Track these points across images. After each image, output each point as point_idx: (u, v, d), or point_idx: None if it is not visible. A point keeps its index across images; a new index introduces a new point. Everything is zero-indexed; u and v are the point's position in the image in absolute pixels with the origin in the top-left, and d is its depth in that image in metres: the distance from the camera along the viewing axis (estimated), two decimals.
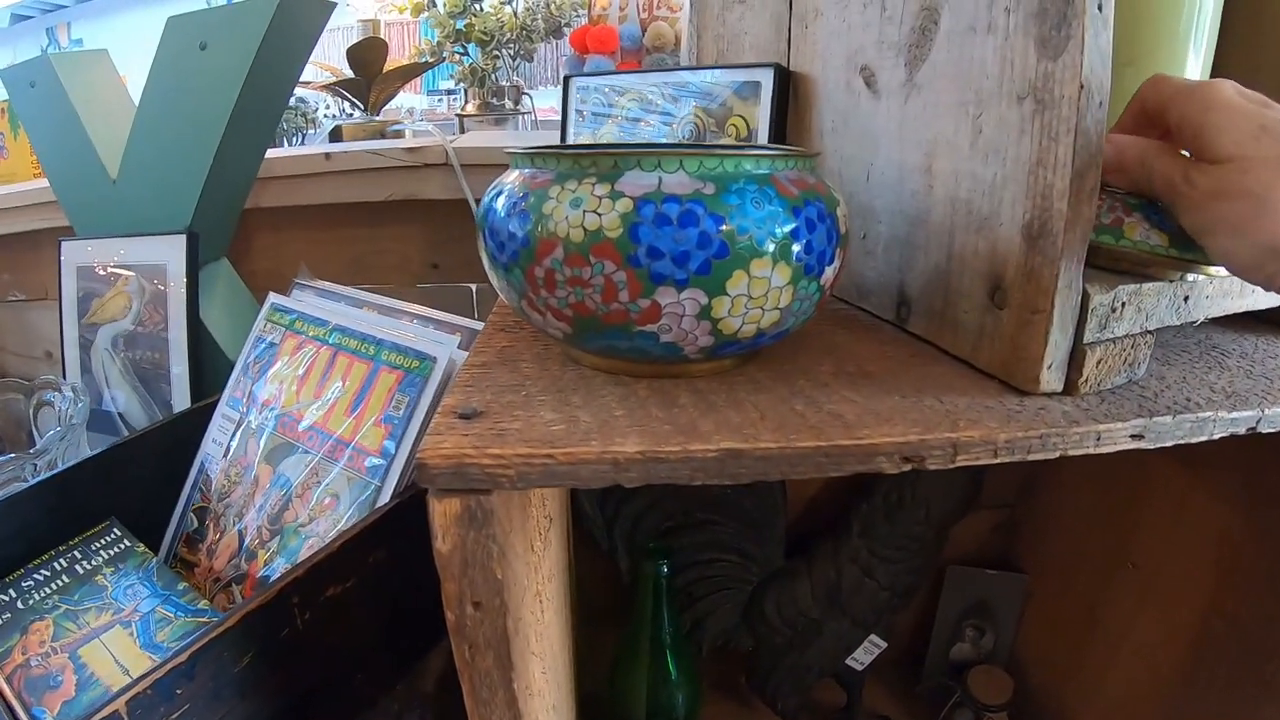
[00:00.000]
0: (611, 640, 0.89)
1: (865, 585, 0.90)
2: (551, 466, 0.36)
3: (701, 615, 0.95)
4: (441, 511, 0.37)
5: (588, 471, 0.36)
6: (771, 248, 0.39)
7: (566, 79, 0.75)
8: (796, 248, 0.40)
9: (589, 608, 0.98)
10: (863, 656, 0.96)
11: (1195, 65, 0.58)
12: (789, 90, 0.71)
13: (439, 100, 3.61)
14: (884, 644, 0.95)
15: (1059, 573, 0.96)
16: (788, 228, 0.39)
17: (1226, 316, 0.50)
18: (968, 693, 0.95)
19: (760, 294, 0.39)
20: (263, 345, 0.88)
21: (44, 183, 1.43)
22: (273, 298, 0.90)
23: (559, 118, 0.79)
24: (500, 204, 0.41)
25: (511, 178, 0.42)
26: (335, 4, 1.03)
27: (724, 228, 0.37)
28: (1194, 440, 0.42)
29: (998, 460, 0.41)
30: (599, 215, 0.37)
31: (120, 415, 1.19)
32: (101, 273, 1.20)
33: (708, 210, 0.37)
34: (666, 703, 0.85)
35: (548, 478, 0.36)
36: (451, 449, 0.36)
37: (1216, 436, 0.42)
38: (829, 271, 0.43)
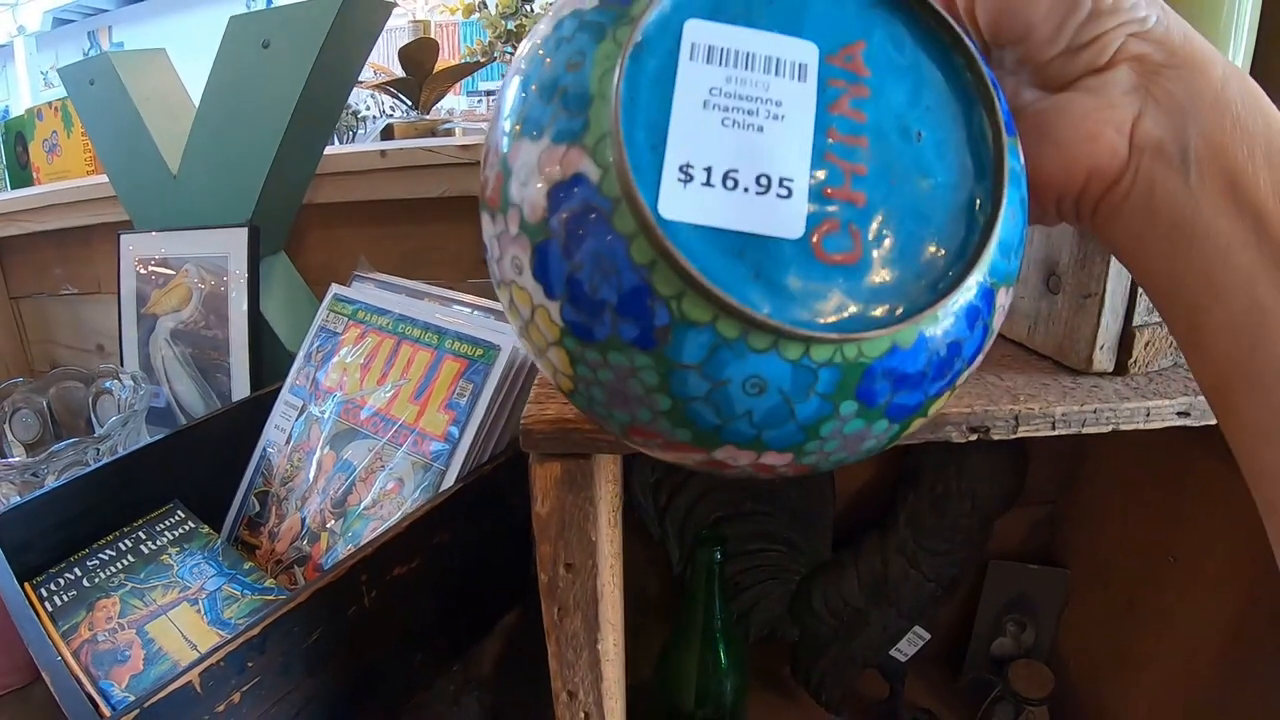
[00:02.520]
0: (659, 629, 0.90)
1: (911, 576, 0.91)
2: None
3: (748, 605, 0.97)
4: (543, 475, 0.39)
5: None
6: None
7: None
8: None
9: (637, 596, 1.00)
10: (906, 648, 0.97)
11: (1236, 61, 0.59)
12: None
13: (479, 101, 3.66)
14: (928, 635, 0.96)
15: (1100, 567, 0.96)
16: None
17: None
18: (1009, 686, 0.95)
19: None
20: (325, 335, 0.91)
21: (96, 179, 1.46)
22: (335, 289, 0.93)
23: None
24: None
25: None
26: (395, 4, 1.05)
27: None
28: None
29: (1055, 432, 0.43)
30: None
31: (179, 405, 1.22)
32: (156, 274, 1.23)
33: None
34: (715, 691, 0.86)
35: None
36: (554, 415, 0.38)
37: None
38: None
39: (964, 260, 0.29)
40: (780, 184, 0.27)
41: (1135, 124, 0.32)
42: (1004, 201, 0.29)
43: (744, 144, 0.27)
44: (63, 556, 0.81)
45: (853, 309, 0.27)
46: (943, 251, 0.29)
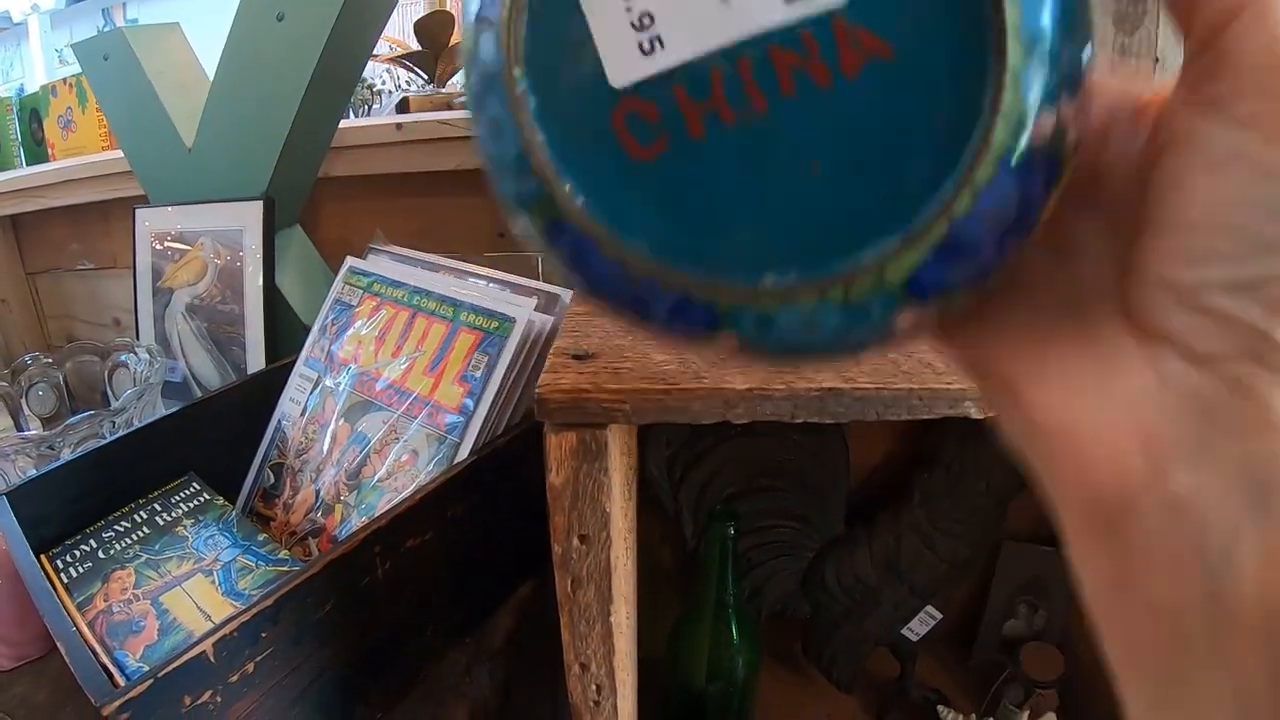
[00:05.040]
0: (672, 604, 0.90)
1: (924, 555, 0.91)
2: (666, 401, 0.37)
3: (760, 581, 0.96)
4: (557, 445, 0.38)
5: (700, 406, 0.37)
6: None
7: None
8: None
9: (651, 571, 1.00)
10: (918, 627, 0.97)
11: None
12: None
13: None
14: (940, 615, 0.96)
15: None
16: None
17: None
18: (1019, 668, 0.95)
19: None
20: (340, 307, 0.91)
21: (111, 154, 1.46)
22: (350, 261, 0.93)
23: None
24: None
25: None
26: None
27: None
28: None
29: None
30: None
31: (195, 378, 1.22)
32: (172, 248, 1.23)
33: None
34: (727, 666, 0.86)
35: (662, 412, 0.37)
36: (570, 385, 0.37)
37: None
38: None
39: None
40: None
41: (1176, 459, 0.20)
42: None
43: None
44: (79, 529, 0.82)
45: None
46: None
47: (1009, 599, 1.04)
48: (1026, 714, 0.92)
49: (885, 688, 1.01)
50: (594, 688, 0.47)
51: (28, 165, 1.78)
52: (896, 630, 0.96)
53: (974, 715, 0.94)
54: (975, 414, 0.41)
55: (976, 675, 1.03)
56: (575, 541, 0.41)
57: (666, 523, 0.96)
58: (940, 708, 0.95)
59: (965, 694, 1.01)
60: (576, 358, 0.41)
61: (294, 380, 0.93)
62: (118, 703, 0.51)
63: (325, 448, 0.85)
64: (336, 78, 1.07)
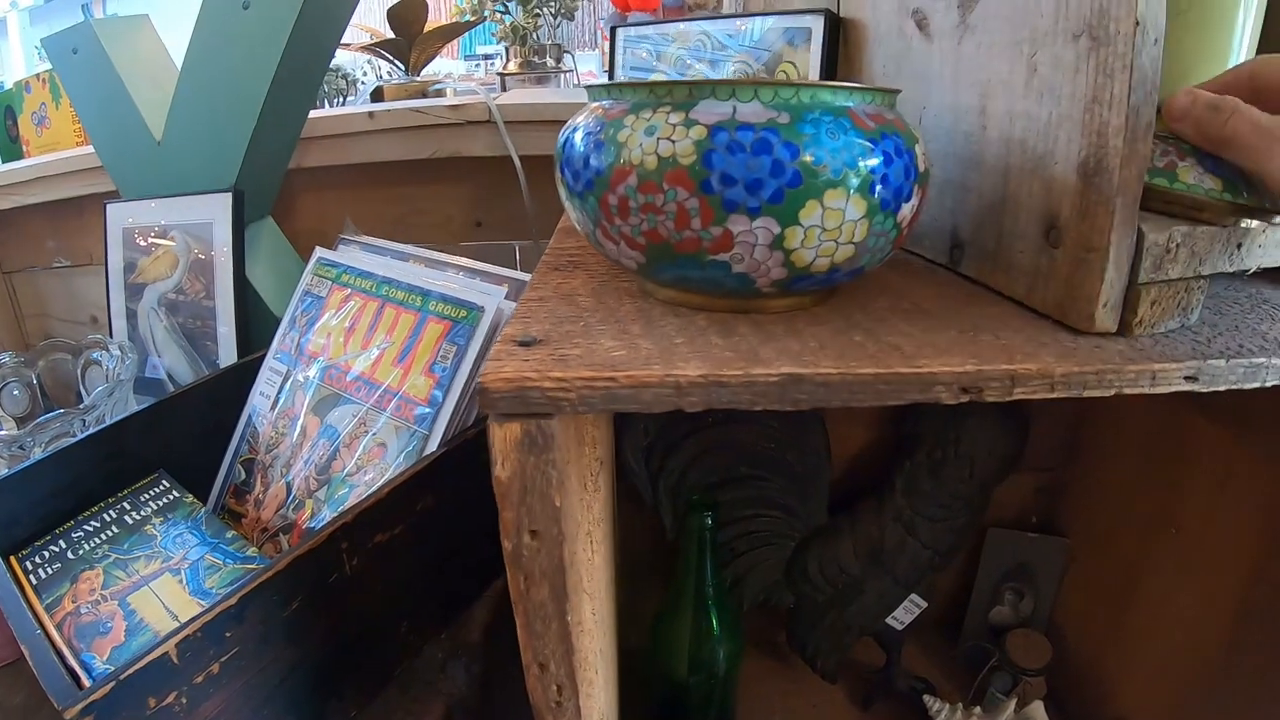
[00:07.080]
0: (653, 597, 0.89)
1: (908, 544, 0.89)
2: (614, 390, 0.35)
3: (743, 571, 0.95)
4: (502, 437, 0.37)
5: (650, 395, 0.36)
6: (846, 179, 0.38)
7: (614, 29, 0.75)
8: (872, 180, 0.39)
9: (631, 564, 0.99)
10: (903, 616, 0.95)
11: (1247, 14, 0.57)
12: (839, 36, 0.71)
13: (476, 65, 3.62)
14: (925, 603, 0.95)
15: (1100, 537, 0.95)
16: (863, 160, 0.39)
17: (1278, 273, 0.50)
18: (1006, 656, 0.94)
19: (834, 226, 0.39)
20: (309, 299, 0.89)
21: (85, 149, 1.45)
22: (319, 252, 0.91)
23: (599, 80, 0.79)
24: (578, 135, 0.41)
25: (589, 111, 0.42)
26: None
27: (798, 157, 0.37)
28: (1246, 386, 0.41)
29: (1054, 395, 0.40)
30: (672, 142, 0.37)
31: (168, 374, 1.21)
32: (143, 243, 1.21)
33: (782, 139, 0.37)
34: (708, 658, 0.85)
35: (610, 401, 0.36)
36: (513, 373, 0.36)
37: (1269, 384, 0.42)
38: (906, 208, 0.42)
39: None
40: None
41: None
42: None
43: None
44: (50, 529, 0.81)
45: None
46: None
47: (994, 586, 1.03)
48: (1014, 702, 0.91)
49: (871, 677, 1.00)
50: (554, 688, 0.45)
51: (3, 163, 1.76)
52: (881, 619, 0.95)
53: (960, 704, 0.93)
54: (947, 399, 0.39)
55: (963, 663, 1.02)
56: (526, 538, 0.39)
57: (646, 513, 0.95)
58: (926, 697, 0.94)
59: (951, 682, 1.01)
60: (522, 344, 0.39)
61: (264, 374, 0.91)
62: (80, 705, 0.50)
63: (295, 442, 0.84)
64: (304, 66, 1.05)
